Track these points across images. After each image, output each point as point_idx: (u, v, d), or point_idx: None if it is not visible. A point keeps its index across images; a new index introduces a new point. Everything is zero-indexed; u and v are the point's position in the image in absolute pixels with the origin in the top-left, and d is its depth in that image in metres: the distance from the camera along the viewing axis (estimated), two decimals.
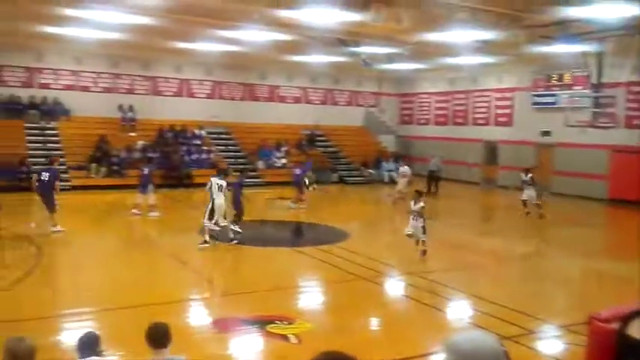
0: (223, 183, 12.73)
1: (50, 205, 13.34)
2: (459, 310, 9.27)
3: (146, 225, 16.03)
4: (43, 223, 13.48)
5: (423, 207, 11.78)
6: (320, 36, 18.62)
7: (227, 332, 7.64)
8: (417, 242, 11.98)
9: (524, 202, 17.89)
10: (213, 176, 13.04)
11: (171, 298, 9.14)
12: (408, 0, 14.20)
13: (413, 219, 11.87)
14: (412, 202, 12.03)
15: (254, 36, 18.74)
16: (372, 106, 31.81)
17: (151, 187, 16.68)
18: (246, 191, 14.40)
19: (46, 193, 13.44)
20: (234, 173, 16.99)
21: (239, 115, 27.42)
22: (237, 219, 13.52)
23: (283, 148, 26.74)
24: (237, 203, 13.67)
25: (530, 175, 17.99)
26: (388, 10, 14.33)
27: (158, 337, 4.12)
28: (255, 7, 14.99)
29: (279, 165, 25.93)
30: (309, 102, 30.11)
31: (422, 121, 31.27)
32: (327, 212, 19.48)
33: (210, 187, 12.57)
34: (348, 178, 26.85)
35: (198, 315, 8.76)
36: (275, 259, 12.42)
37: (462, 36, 16.84)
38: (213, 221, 12.41)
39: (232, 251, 12.99)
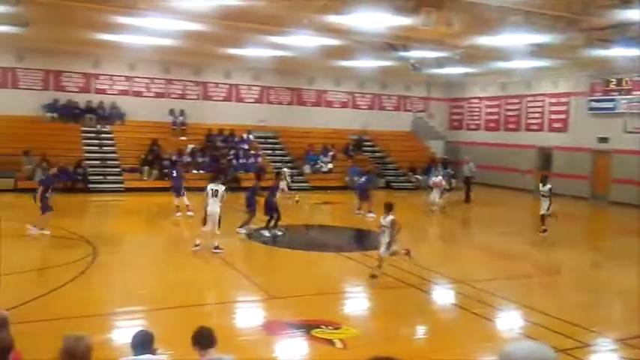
0: (220, 188, 12.29)
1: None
2: (509, 320, 9.01)
3: (194, 227, 16.32)
4: (95, 223, 13.92)
5: (392, 220, 10.14)
6: (369, 41, 18.57)
7: (274, 335, 7.67)
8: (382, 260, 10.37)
9: (542, 218, 15.59)
10: (210, 181, 12.74)
11: (218, 300, 9.27)
12: (459, 3, 13.97)
13: (382, 234, 10.36)
14: (382, 217, 10.45)
15: (303, 41, 18.86)
16: (421, 111, 31.47)
17: (183, 189, 16.98)
18: (297, 195, 14.36)
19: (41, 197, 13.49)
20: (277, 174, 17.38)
21: (286, 120, 27.65)
22: (271, 223, 13.54)
23: (330, 153, 26.77)
24: (251, 206, 13.75)
25: (548, 186, 15.65)
26: (438, 14, 14.13)
27: (203, 339, 4.24)
28: (304, 13, 15.10)
29: (325, 170, 25.97)
30: (356, 107, 30.06)
31: (472, 127, 30.72)
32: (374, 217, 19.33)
33: (207, 193, 12.21)
34: (395, 184, 26.64)
35: (245, 317, 8.83)
36: (321, 263, 12.41)
37: (515, 39, 16.45)
38: (207, 228, 12.14)
39: (278, 255, 13.07)
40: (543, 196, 15.66)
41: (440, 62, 21.98)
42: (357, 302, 9.87)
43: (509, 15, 14.25)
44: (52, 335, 5.08)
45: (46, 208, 13.31)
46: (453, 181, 26.76)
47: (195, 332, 4.36)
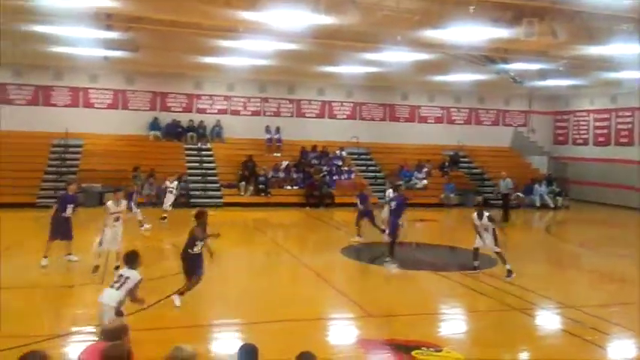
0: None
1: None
2: (624, 349, 8.26)
3: (290, 242, 16.53)
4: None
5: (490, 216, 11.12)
6: (465, 54, 18.12)
7: (371, 353, 7.51)
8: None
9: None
10: None
11: (315, 315, 9.23)
12: (563, 12, 13.29)
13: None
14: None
15: (396, 57, 18.74)
16: (522, 126, 30.14)
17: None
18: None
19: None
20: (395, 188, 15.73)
21: (379, 136, 27.49)
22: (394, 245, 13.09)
23: (424, 169, 26.26)
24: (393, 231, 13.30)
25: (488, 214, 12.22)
26: (541, 24, 13.50)
27: None
28: (398, 28, 14.99)
29: (420, 186, 25.48)
30: (451, 122, 29.36)
31: (579, 141, 28.94)
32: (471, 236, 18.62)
33: None
34: (493, 202, 25.58)
35: (342, 334, 8.72)
36: (417, 282, 12.09)
37: (625, 49, 15.38)
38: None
39: (374, 272, 12.89)
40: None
41: (543, 74, 21.02)
42: (457, 324, 9.46)
43: (618, 24, 13.37)
44: (157, 344, 5.26)
45: (54, 232, 11.43)
46: (559, 199, 25.39)
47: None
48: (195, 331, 8.10)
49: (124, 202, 11.11)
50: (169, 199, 17.30)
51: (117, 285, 6.73)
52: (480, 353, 7.92)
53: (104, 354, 3.99)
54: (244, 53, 19.19)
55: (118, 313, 6.52)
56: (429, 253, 15.73)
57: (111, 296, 6.62)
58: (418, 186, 25.46)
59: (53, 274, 11.07)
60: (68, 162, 22.73)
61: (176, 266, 11.78)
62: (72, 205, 11.57)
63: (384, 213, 15.00)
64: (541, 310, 10.06)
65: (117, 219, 10.89)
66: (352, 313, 9.64)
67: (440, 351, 7.43)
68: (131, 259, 7.05)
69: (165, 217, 17.21)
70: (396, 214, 13.60)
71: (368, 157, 27.29)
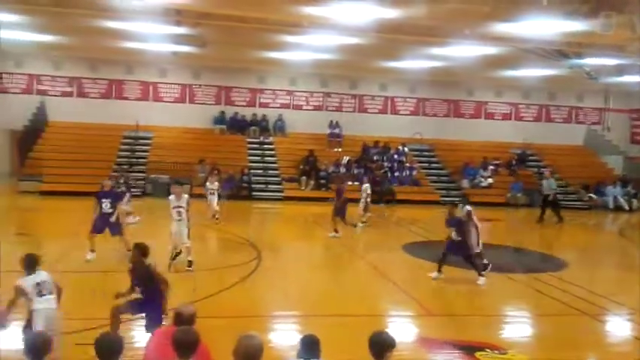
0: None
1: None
2: None
3: (350, 238, 16.46)
4: (259, 229, 14.63)
5: None
6: (536, 48, 17.45)
7: (433, 353, 7.36)
8: None
9: None
10: None
11: (375, 312, 9.15)
12: None
13: None
14: None
15: (462, 51, 18.29)
16: (595, 124, 28.76)
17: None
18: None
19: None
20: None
21: (442, 132, 26.92)
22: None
23: (490, 167, 25.53)
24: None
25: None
26: (619, 17, 12.78)
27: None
28: (466, 22, 14.61)
29: (485, 185, 24.81)
30: (519, 119, 28.39)
31: None
32: (538, 237, 18.00)
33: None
34: (563, 202, 24.58)
35: (402, 331, 8.57)
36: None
37: None
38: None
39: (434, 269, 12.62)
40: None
41: (620, 70, 19.95)
42: (522, 327, 9.12)
43: None
44: (223, 331, 5.35)
45: (94, 227, 11.24)
46: (634, 201, 24.17)
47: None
48: (257, 320, 8.19)
49: (185, 197, 11.15)
50: (213, 199, 16.69)
51: None
52: (546, 358, 7.60)
53: (175, 338, 4.04)
54: (307, 48, 19.27)
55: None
56: (494, 254, 15.26)
57: None
58: (483, 184, 24.79)
59: (125, 260, 11.42)
60: (137, 153, 23.59)
61: (238, 257, 12.02)
62: (108, 200, 11.37)
63: None
64: (612, 315, 9.56)
65: (179, 213, 10.86)
66: (412, 310, 9.49)
67: (505, 354, 7.17)
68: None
69: (216, 217, 16.13)
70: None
71: (431, 153, 26.82)
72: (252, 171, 23.65)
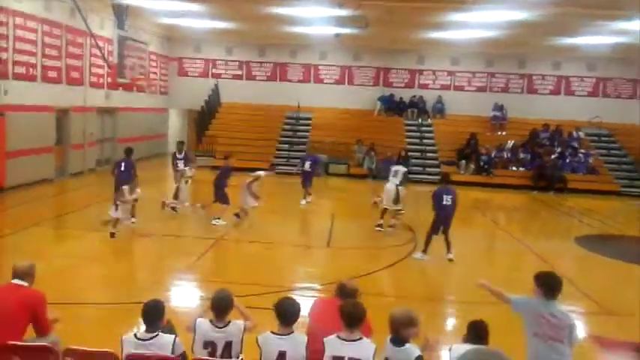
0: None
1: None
2: None
3: (513, 226, 15.54)
4: (416, 212, 14.34)
5: None
6: None
7: (611, 353, 6.70)
8: None
9: None
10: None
11: None
12: None
13: None
14: None
15: None
16: None
17: (308, 182, 15.81)
18: None
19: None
20: None
21: (626, 116, 24.19)
22: None
23: None
24: None
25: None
26: None
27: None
28: None
29: None
30: None
31: None
32: None
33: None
34: None
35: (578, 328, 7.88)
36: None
37: None
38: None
39: (615, 266, 11.39)
40: None
41: None
42: None
43: None
44: (379, 309, 5.30)
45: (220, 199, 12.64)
46: None
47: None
48: (409, 303, 8.01)
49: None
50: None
51: None
52: None
53: (345, 310, 4.15)
54: (472, 25, 18.37)
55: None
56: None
57: None
58: None
59: (290, 235, 12.38)
60: (299, 133, 24.54)
61: (391, 240, 11.94)
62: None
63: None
64: None
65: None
66: (583, 307, 8.66)
67: None
68: None
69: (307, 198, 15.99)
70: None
71: (611, 139, 24.28)
72: (409, 153, 23.36)
